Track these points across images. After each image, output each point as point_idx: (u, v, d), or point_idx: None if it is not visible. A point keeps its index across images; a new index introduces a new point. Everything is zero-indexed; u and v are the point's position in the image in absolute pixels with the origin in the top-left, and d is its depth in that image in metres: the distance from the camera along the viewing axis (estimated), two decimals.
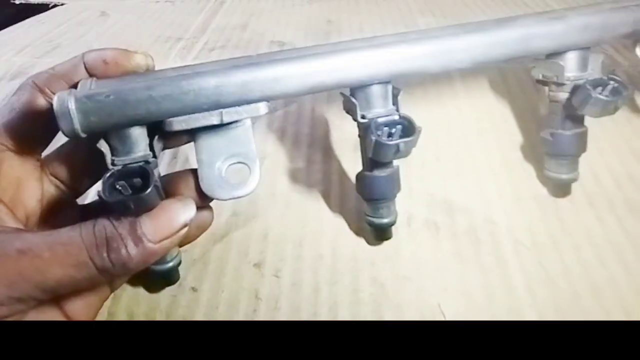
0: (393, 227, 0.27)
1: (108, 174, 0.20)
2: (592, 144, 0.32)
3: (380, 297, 0.25)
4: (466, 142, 0.32)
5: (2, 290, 0.18)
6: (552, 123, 0.28)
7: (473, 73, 0.38)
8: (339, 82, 0.22)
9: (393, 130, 0.23)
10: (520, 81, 0.37)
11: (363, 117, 0.23)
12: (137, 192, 0.19)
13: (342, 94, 0.24)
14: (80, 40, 0.50)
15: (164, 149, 0.24)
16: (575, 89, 0.25)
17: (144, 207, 0.20)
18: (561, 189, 0.29)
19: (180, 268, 0.26)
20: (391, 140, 0.22)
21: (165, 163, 0.34)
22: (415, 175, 0.30)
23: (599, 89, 0.25)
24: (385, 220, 0.25)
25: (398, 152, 0.22)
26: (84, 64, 0.22)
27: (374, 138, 0.22)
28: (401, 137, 0.22)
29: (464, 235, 0.27)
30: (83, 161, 0.24)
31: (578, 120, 0.28)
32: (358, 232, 0.28)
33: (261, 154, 0.33)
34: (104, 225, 0.19)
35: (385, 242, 0.27)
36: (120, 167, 0.21)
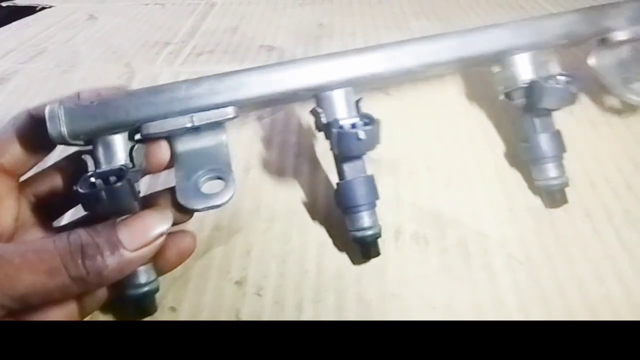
0: (380, 242, 0.26)
1: (88, 174, 0.21)
2: (590, 152, 0.31)
3: (365, 316, 0.24)
4: (458, 151, 0.31)
5: None
6: (526, 130, 0.28)
7: (466, 81, 0.36)
8: (298, 88, 0.24)
9: (355, 124, 0.24)
10: None
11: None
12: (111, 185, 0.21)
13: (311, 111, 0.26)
14: (66, 45, 0.49)
15: (144, 174, 0.25)
16: (530, 89, 0.27)
17: (117, 204, 0.21)
18: (555, 199, 0.28)
19: (160, 286, 0.25)
20: (351, 129, 0.23)
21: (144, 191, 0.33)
22: (403, 185, 0.29)
23: (552, 81, 0.26)
24: (368, 233, 0.24)
25: (360, 141, 0.22)
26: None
27: (335, 130, 0.23)
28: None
29: (454, 249, 0.26)
30: (63, 184, 0.24)
31: (548, 121, 0.28)
32: (343, 247, 0.27)
33: (246, 164, 0.32)
34: (79, 234, 0.19)
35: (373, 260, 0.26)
36: (99, 171, 0.22)
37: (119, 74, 0.43)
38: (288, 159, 0.32)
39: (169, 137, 0.24)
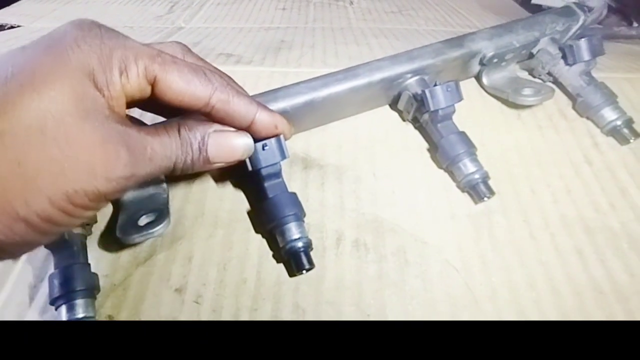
0: (322, 249, 0.27)
1: None
2: (534, 159, 0.32)
3: None
4: (405, 158, 0.31)
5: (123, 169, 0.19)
6: (436, 140, 0.30)
7: None
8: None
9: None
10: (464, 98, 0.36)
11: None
12: None
13: None
14: None
15: None
16: (420, 101, 0.30)
17: None
18: (481, 192, 0.28)
19: (99, 295, 0.25)
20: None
21: None
22: (348, 192, 0.30)
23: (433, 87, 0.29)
24: (299, 244, 0.25)
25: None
26: (254, 122, 0.24)
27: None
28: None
29: (393, 256, 0.26)
30: None
31: (450, 125, 0.30)
32: (282, 259, 0.27)
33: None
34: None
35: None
36: None
37: None
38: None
39: None
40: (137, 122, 0.22)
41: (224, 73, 0.25)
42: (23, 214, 0.16)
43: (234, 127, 0.24)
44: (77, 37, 0.19)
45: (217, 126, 0.23)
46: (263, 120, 0.24)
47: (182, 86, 0.21)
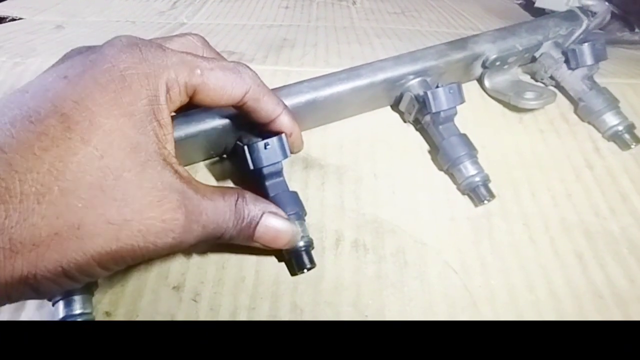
0: (321, 250, 0.27)
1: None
2: (535, 162, 0.31)
3: None
4: (405, 160, 0.31)
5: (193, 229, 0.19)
6: (437, 142, 0.30)
7: None
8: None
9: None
10: (466, 101, 0.36)
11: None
12: None
13: None
14: (25, 45, 0.48)
15: None
16: (422, 102, 0.29)
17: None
18: (481, 195, 0.28)
19: (97, 291, 0.25)
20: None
21: None
22: (348, 192, 0.29)
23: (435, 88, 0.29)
24: (300, 243, 0.24)
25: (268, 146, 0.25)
26: (274, 122, 0.25)
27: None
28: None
29: (392, 257, 0.26)
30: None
31: (451, 126, 0.30)
32: (282, 258, 0.27)
33: (194, 168, 0.32)
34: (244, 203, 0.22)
35: None
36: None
37: None
38: (236, 164, 0.32)
39: None
40: (187, 175, 0.21)
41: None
42: (69, 270, 0.16)
43: (258, 121, 0.25)
44: (123, 70, 0.18)
45: (272, 207, 0.24)
46: (284, 122, 0.25)
47: (219, 91, 0.21)
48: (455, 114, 0.29)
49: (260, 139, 0.25)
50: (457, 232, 0.28)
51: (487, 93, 0.35)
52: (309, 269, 0.25)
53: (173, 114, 0.22)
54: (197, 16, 0.61)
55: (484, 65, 0.34)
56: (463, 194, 0.29)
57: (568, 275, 0.26)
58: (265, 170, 0.26)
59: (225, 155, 0.31)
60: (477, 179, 0.28)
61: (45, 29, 0.54)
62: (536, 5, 0.45)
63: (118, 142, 0.17)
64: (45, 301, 0.24)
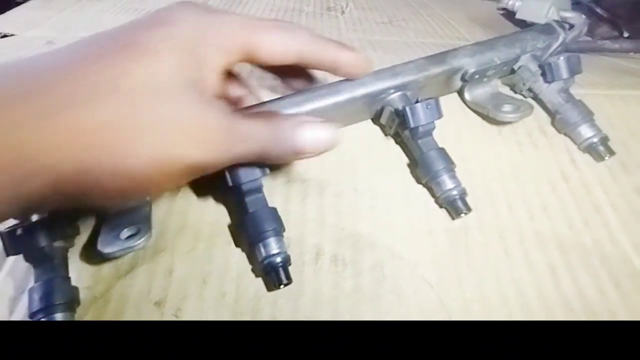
0: (300, 264, 0.27)
1: None
2: (512, 175, 0.32)
3: None
4: (386, 173, 0.32)
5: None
6: (416, 156, 0.31)
7: None
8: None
9: None
10: (447, 113, 0.37)
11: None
12: None
13: None
14: (13, 59, 0.48)
15: None
16: (401, 117, 0.30)
17: None
18: (458, 208, 0.29)
19: (79, 307, 0.26)
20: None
21: None
22: (329, 206, 0.30)
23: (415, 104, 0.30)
24: (277, 259, 0.25)
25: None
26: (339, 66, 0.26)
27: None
28: None
29: (370, 272, 0.27)
30: None
31: (430, 140, 0.31)
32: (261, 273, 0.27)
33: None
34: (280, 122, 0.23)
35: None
36: None
37: None
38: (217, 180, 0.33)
39: None
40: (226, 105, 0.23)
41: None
42: (121, 168, 0.18)
43: (327, 69, 0.26)
44: (182, 15, 0.21)
45: (303, 116, 0.25)
46: (348, 59, 0.26)
47: (274, 48, 0.23)
48: (434, 128, 0.30)
49: None
50: (434, 245, 0.28)
51: (467, 105, 0.36)
52: (285, 285, 0.25)
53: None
54: None
55: (463, 79, 0.34)
56: (441, 207, 0.30)
57: (541, 288, 0.26)
58: (244, 187, 0.26)
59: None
60: (455, 192, 0.29)
61: (36, 45, 0.55)
62: (517, 16, 0.45)
63: (169, 58, 0.19)
64: (28, 318, 0.24)
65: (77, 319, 0.25)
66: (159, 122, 0.18)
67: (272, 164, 0.27)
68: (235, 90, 0.28)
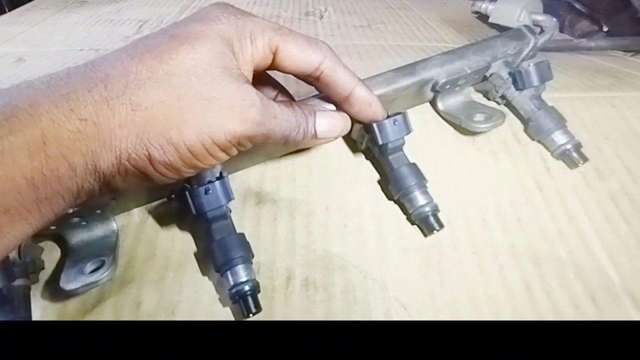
0: (271, 289, 0.27)
1: None
2: (486, 186, 0.32)
3: None
4: (357, 190, 0.31)
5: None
6: (387, 172, 0.30)
7: None
8: None
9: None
10: (419, 124, 0.36)
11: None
12: None
13: None
14: None
15: None
16: (370, 133, 0.29)
17: None
18: (431, 225, 0.28)
19: None
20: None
21: None
22: (300, 227, 0.29)
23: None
24: (246, 287, 0.24)
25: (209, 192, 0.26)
26: (352, 94, 0.27)
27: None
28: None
29: (341, 295, 0.26)
30: None
31: (401, 156, 0.30)
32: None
33: (143, 211, 0.32)
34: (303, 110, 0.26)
35: (262, 308, 0.26)
36: None
37: None
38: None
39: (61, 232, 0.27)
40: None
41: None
42: (175, 139, 0.20)
43: (335, 95, 0.27)
44: (218, 14, 0.23)
45: (317, 105, 0.27)
46: (360, 94, 0.27)
47: (298, 53, 0.24)
48: (403, 143, 0.30)
49: (204, 183, 0.25)
50: (407, 264, 0.28)
51: (440, 115, 0.36)
52: (254, 314, 0.24)
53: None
54: None
55: (434, 89, 0.34)
56: (412, 224, 0.29)
57: (515, 304, 0.26)
58: (210, 215, 0.26)
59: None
60: (427, 208, 0.28)
61: (5, 63, 0.54)
62: (490, 20, 0.45)
63: (210, 50, 0.21)
64: None
65: None
66: (201, 100, 0.21)
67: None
68: (268, 93, 0.29)
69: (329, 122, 0.27)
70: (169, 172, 0.22)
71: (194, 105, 0.21)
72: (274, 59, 0.25)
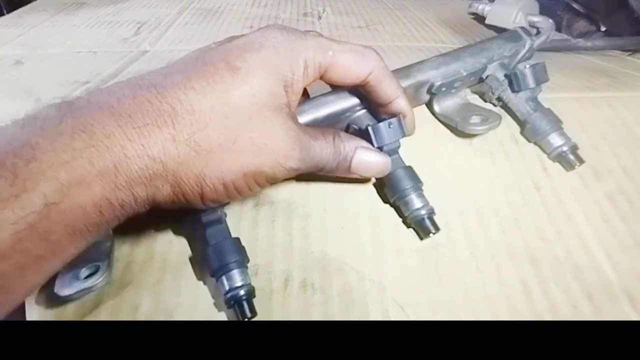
0: (269, 292, 0.27)
1: None
2: (484, 187, 0.32)
3: None
4: (355, 192, 0.31)
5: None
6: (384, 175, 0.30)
7: None
8: None
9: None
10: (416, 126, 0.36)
11: None
12: None
13: None
14: None
15: None
16: (366, 136, 0.29)
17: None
18: (426, 228, 0.28)
19: None
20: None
21: None
22: (297, 229, 0.30)
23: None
24: (241, 292, 0.24)
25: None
26: (392, 104, 0.28)
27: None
28: None
29: (339, 297, 0.26)
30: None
31: (397, 159, 0.30)
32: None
33: None
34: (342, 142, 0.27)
35: (260, 310, 0.26)
36: None
37: (26, 108, 0.42)
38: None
39: None
40: (300, 124, 0.26)
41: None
42: (226, 181, 0.22)
43: (375, 101, 0.28)
44: (275, 43, 0.24)
45: (363, 142, 0.28)
46: (399, 105, 0.28)
47: (346, 71, 0.26)
48: (399, 146, 0.30)
49: None
50: (404, 265, 0.28)
51: (436, 118, 0.36)
52: (249, 318, 0.24)
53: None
54: (160, 42, 0.61)
55: (430, 92, 0.34)
56: (408, 227, 0.29)
57: (512, 304, 0.26)
58: (204, 219, 0.26)
59: None
60: (423, 212, 0.28)
61: (4, 66, 0.54)
62: (486, 22, 0.45)
63: (265, 89, 0.22)
64: None
65: None
66: (252, 146, 0.22)
67: None
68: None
69: (366, 162, 0.27)
70: (213, 204, 0.24)
71: (247, 151, 0.22)
72: (322, 75, 0.26)
